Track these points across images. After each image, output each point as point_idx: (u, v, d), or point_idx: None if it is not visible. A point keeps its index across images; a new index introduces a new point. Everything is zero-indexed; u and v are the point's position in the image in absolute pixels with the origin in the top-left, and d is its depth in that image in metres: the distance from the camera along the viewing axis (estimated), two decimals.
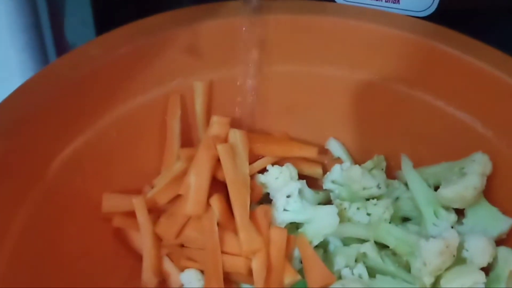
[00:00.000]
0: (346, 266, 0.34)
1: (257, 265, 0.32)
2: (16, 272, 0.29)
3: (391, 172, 0.41)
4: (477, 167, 0.34)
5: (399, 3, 0.38)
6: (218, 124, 0.38)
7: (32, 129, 0.31)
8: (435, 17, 0.38)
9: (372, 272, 0.34)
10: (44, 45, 0.43)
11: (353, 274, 0.34)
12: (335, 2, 0.39)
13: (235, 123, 0.39)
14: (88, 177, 0.35)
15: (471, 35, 0.36)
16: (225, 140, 0.38)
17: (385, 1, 0.38)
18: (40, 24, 0.41)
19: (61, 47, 0.43)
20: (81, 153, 0.34)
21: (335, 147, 0.42)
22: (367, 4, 0.38)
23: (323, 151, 0.42)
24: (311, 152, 0.40)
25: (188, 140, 0.39)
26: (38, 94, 0.32)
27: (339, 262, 0.35)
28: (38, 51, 0.43)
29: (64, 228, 0.33)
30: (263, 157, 0.39)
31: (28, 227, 0.31)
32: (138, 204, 0.34)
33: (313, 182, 0.40)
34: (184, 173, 0.36)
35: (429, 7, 0.38)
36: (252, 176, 0.38)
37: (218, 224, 0.34)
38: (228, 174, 0.35)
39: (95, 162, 0.35)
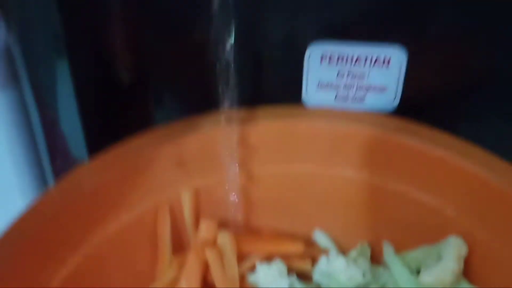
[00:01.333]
0: None
1: None
2: None
3: (377, 258, 0.42)
4: (453, 250, 0.36)
5: (364, 102, 0.41)
6: (206, 228, 0.40)
7: (27, 254, 0.34)
8: (399, 112, 0.41)
9: None
10: (42, 165, 0.46)
11: None
12: (306, 105, 0.42)
13: (223, 223, 0.41)
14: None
15: (436, 126, 0.38)
16: (214, 242, 0.40)
17: (351, 101, 0.41)
18: (37, 146, 0.45)
19: (56, 166, 0.46)
20: (77, 271, 0.36)
21: (321, 238, 0.44)
22: (335, 105, 0.42)
23: (311, 243, 0.44)
24: (297, 248, 0.42)
25: (180, 244, 0.41)
26: (34, 222, 0.35)
27: None
28: (36, 171, 0.46)
29: None
30: (252, 254, 0.41)
31: None
32: None
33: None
34: (176, 280, 0.38)
35: (392, 102, 0.41)
36: (241, 276, 0.39)
37: None
38: (217, 279, 0.37)
39: (91, 278, 0.37)
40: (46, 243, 0.34)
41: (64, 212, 0.36)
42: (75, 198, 0.37)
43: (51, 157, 0.44)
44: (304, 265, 0.42)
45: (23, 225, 0.34)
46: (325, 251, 0.43)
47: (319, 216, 0.44)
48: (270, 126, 0.41)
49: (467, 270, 0.36)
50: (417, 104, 0.40)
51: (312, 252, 0.44)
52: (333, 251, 0.42)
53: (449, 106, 0.41)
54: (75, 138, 0.43)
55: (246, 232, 0.44)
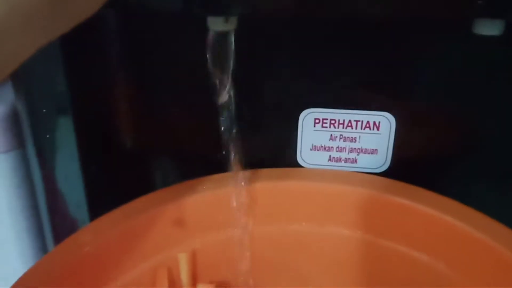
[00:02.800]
0: None
1: None
2: None
3: None
4: None
5: (356, 163, 0.43)
6: None
7: None
8: (390, 173, 0.43)
9: None
10: (42, 226, 0.46)
11: None
12: (301, 166, 0.44)
13: (221, 284, 0.42)
14: None
15: (426, 186, 0.40)
16: None
17: (344, 162, 0.43)
18: (38, 206, 0.45)
19: (56, 227, 0.46)
20: None
21: None
22: (328, 166, 0.44)
23: None
24: None
25: None
26: (33, 285, 0.35)
27: None
28: (36, 233, 0.46)
29: None
30: None
31: None
32: None
33: None
34: None
35: (383, 164, 0.43)
36: None
37: None
38: None
39: None
40: None
41: (63, 275, 0.36)
42: (74, 260, 0.37)
43: (51, 219, 0.44)
44: None
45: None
46: None
47: (316, 274, 0.45)
48: (265, 187, 0.43)
49: None
50: (407, 165, 0.43)
51: None
52: None
53: (438, 167, 0.43)
54: (76, 200, 0.43)
55: None
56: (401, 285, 0.41)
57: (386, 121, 0.41)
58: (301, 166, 0.44)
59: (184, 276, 0.42)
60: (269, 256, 0.44)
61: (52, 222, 0.44)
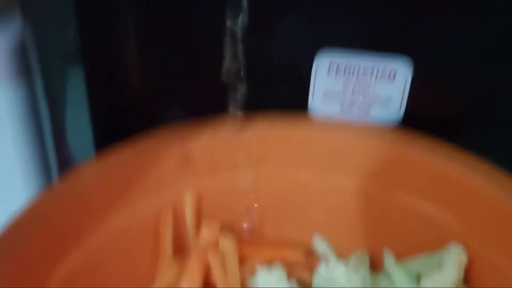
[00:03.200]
0: None
1: None
2: None
3: (376, 265, 0.42)
4: (454, 258, 0.37)
5: (369, 113, 0.42)
6: (208, 232, 0.40)
7: (26, 253, 0.33)
8: (403, 125, 0.42)
9: None
10: (47, 158, 0.45)
11: None
12: (311, 115, 0.43)
13: (224, 228, 0.42)
14: None
15: (439, 138, 0.39)
16: (216, 245, 0.40)
17: (356, 112, 0.42)
18: (44, 138, 0.44)
19: (63, 160, 0.46)
20: (76, 271, 0.36)
21: (320, 245, 0.44)
22: (340, 114, 0.43)
23: (311, 252, 0.44)
24: (298, 256, 0.42)
25: (180, 247, 0.41)
26: (36, 218, 0.35)
27: None
28: (41, 165, 0.45)
29: None
30: (253, 259, 0.41)
31: None
32: None
33: None
34: (176, 283, 0.37)
35: (396, 115, 0.42)
36: (242, 280, 0.39)
37: None
38: (219, 282, 0.37)
39: (91, 278, 0.37)
40: (46, 241, 0.34)
41: (65, 210, 0.36)
42: (78, 196, 0.36)
43: (57, 154, 0.44)
44: (303, 273, 0.43)
45: (24, 222, 0.34)
46: (324, 258, 0.43)
47: (320, 224, 0.44)
48: (273, 133, 0.42)
49: (466, 280, 0.37)
50: (422, 116, 0.42)
51: (312, 261, 0.44)
52: (332, 258, 0.43)
53: (453, 122, 0.42)
54: (83, 137, 0.43)
55: (247, 237, 0.44)
56: (406, 237, 0.41)
57: (402, 70, 0.40)
58: (312, 114, 0.43)
59: (189, 216, 0.41)
60: (273, 203, 0.44)
61: (58, 157, 0.44)
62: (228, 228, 0.42)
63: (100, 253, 0.37)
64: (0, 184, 0.44)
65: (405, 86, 0.40)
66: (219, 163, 0.42)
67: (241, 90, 0.39)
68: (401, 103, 0.41)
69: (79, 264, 0.36)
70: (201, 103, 0.45)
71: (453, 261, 0.36)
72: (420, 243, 0.40)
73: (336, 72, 0.41)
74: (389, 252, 0.40)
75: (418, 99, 0.41)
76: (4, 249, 0.32)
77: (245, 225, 0.44)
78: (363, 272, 0.40)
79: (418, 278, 0.38)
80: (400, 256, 0.40)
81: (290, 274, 0.41)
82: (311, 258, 0.44)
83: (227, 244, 0.40)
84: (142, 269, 0.40)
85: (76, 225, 0.36)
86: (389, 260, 0.40)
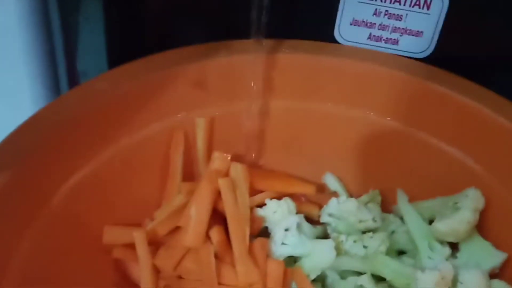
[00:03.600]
0: None
1: None
2: None
3: (387, 206, 0.42)
4: (470, 202, 0.35)
5: (397, 45, 0.40)
6: (219, 160, 0.39)
7: (38, 160, 0.32)
8: (432, 59, 0.40)
9: None
10: (57, 72, 0.44)
11: None
12: (337, 42, 0.41)
13: (235, 159, 0.40)
14: (91, 207, 0.36)
15: (468, 78, 0.37)
16: (226, 175, 0.39)
17: (385, 42, 0.40)
18: (54, 52, 0.43)
19: (73, 75, 0.44)
20: (86, 183, 0.35)
21: (331, 182, 0.43)
22: (367, 45, 0.40)
23: (321, 189, 0.43)
24: (309, 189, 0.41)
25: (189, 175, 0.40)
26: (45, 126, 0.33)
27: None
28: (51, 79, 0.44)
29: (66, 259, 0.33)
30: (262, 192, 0.40)
31: (30, 256, 0.31)
32: (138, 237, 0.35)
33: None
34: (184, 206, 0.37)
35: (427, 49, 0.39)
36: (251, 210, 0.39)
37: (216, 256, 0.34)
38: (228, 208, 0.36)
39: (99, 192, 0.36)
40: (52, 153, 0.33)
41: (73, 122, 0.34)
42: (87, 106, 0.35)
43: (68, 70, 0.42)
44: (312, 210, 0.42)
45: (29, 131, 0.33)
46: (334, 194, 0.43)
47: (332, 161, 0.43)
48: (294, 59, 0.40)
49: (480, 225, 0.36)
50: (453, 54, 0.39)
51: (322, 199, 0.43)
52: (343, 194, 0.42)
53: (486, 61, 0.40)
54: (96, 54, 0.41)
55: (258, 170, 0.43)
56: (423, 179, 0.39)
57: (438, 0, 0.37)
58: (338, 43, 0.41)
59: (200, 142, 0.40)
60: (288, 136, 0.42)
61: (68, 70, 0.42)
62: (239, 159, 0.41)
63: (108, 170, 0.36)
64: (8, 97, 0.43)
65: (439, 18, 0.38)
66: (235, 90, 0.40)
67: (265, 14, 0.37)
68: (432, 37, 0.38)
69: (86, 177, 0.35)
70: (222, 25, 0.43)
71: (469, 205, 0.35)
72: (437, 186, 0.38)
73: None
74: (402, 192, 0.39)
75: (451, 37, 0.38)
76: (8, 157, 0.31)
77: (256, 157, 0.43)
78: (374, 210, 0.39)
79: (430, 221, 0.37)
80: (414, 199, 0.39)
81: (299, 210, 0.41)
82: (321, 196, 0.43)
83: (238, 170, 0.38)
84: (149, 191, 0.39)
85: (85, 138, 0.35)
86: (401, 200, 0.39)
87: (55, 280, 0.32)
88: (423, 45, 0.39)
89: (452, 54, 0.39)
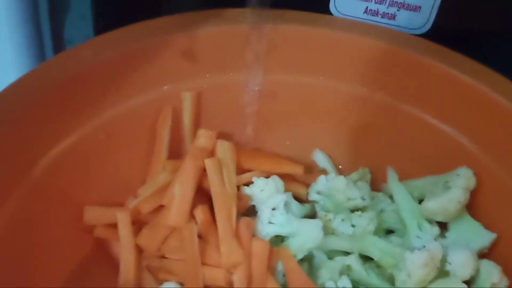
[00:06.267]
0: (331, 279, 0.34)
1: (238, 278, 0.32)
2: None
3: (376, 185, 0.41)
4: (461, 181, 0.35)
5: (394, 20, 0.38)
6: (204, 137, 0.38)
7: (19, 128, 0.31)
8: (430, 36, 0.38)
9: (356, 285, 0.34)
10: (42, 40, 0.42)
11: (337, 287, 0.34)
12: (331, 14, 0.39)
13: (221, 136, 0.39)
14: (74, 180, 0.34)
15: (466, 55, 0.36)
16: (212, 152, 0.37)
17: (381, 17, 0.38)
18: (39, 18, 0.41)
19: (59, 43, 0.42)
20: (68, 154, 0.34)
21: (320, 159, 0.42)
22: (363, 19, 0.39)
23: (309, 170, 0.42)
24: (297, 169, 0.40)
25: (176, 152, 0.39)
26: (28, 93, 0.32)
27: (324, 275, 0.35)
28: (35, 46, 0.42)
29: (45, 231, 0.32)
30: (250, 171, 0.39)
31: (9, 227, 0.30)
32: (122, 218, 0.34)
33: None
34: (169, 184, 0.36)
35: (424, 25, 0.38)
36: (237, 188, 0.38)
37: (201, 235, 0.33)
38: (213, 188, 0.35)
39: (82, 165, 0.35)
40: (33, 122, 0.32)
41: (55, 89, 0.33)
42: (70, 74, 0.33)
43: (53, 37, 0.40)
44: (300, 189, 0.41)
45: (8, 99, 0.31)
46: (323, 172, 0.42)
47: (322, 138, 0.42)
48: (286, 29, 0.38)
49: (470, 204, 0.36)
50: (450, 31, 0.38)
51: (310, 178, 0.42)
52: (332, 172, 0.41)
53: (484, 39, 0.38)
54: (83, 21, 0.39)
55: (246, 148, 0.42)
56: (414, 157, 0.39)
57: None
58: (333, 15, 0.39)
59: (187, 117, 0.39)
60: (277, 112, 0.41)
61: (53, 38, 0.40)
62: (227, 136, 0.40)
63: (92, 142, 0.35)
64: None
65: None
66: (226, 61, 0.38)
67: None
68: (430, 13, 0.37)
69: (69, 148, 0.34)
70: None
71: (460, 184, 0.34)
72: (429, 164, 0.38)
73: None
74: (392, 170, 0.39)
75: (449, 12, 0.37)
76: None
77: (245, 134, 0.42)
78: (364, 189, 0.39)
79: (420, 200, 0.36)
80: (405, 178, 0.38)
81: (287, 189, 0.40)
82: (309, 176, 0.41)
83: (225, 148, 0.37)
84: (133, 166, 0.38)
85: (67, 107, 0.33)
86: (391, 178, 0.38)
87: (33, 250, 0.32)
88: (421, 20, 0.37)
89: (450, 31, 0.38)
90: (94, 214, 0.35)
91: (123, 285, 0.33)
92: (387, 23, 0.38)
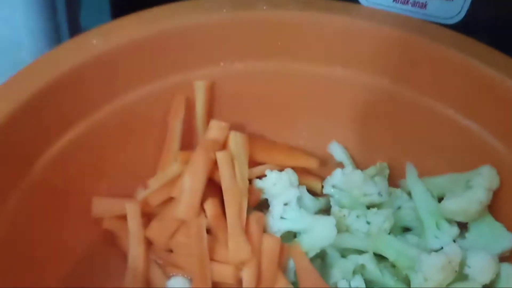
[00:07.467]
0: (344, 279, 0.33)
1: (247, 275, 0.31)
2: None
3: (394, 181, 0.39)
4: (484, 180, 0.33)
5: (425, 9, 0.36)
6: (216, 129, 0.36)
7: (25, 117, 0.30)
8: (462, 27, 0.36)
9: (370, 285, 0.33)
10: (58, 28, 0.41)
11: (350, 286, 0.33)
12: (358, 2, 0.37)
13: (235, 127, 0.38)
14: (82, 169, 0.34)
15: (499, 48, 0.34)
16: (224, 144, 0.36)
17: (412, 6, 0.36)
18: (56, 5, 0.40)
19: (75, 31, 0.42)
20: (77, 143, 0.33)
21: (337, 151, 0.41)
22: (392, 8, 0.37)
23: (324, 163, 0.40)
24: (312, 163, 0.39)
25: (188, 143, 0.38)
26: (37, 80, 0.31)
27: (336, 274, 0.34)
28: (52, 34, 0.41)
29: (53, 222, 0.32)
30: (263, 164, 0.38)
31: (15, 218, 0.30)
32: (131, 210, 0.33)
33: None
34: (179, 176, 0.35)
35: (457, 14, 0.36)
36: (250, 181, 0.37)
37: (210, 230, 0.33)
38: (224, 182, 0.34)
39: (90, 154, 0.34)
40: (42, 110, 0.31)
41: (65, 76, 0.32)
42: (78, 61, 0.32)
43: (70, 23, 0.39)
44: (315, 183, 0.40)
45: (17, 86, 0.30)
46: (339, 165, 0.40)
47: (339, 130, 0.40)
48: (304, 17, 0.36)
49: (492, 204, 0.34)
50: (484, 22, 0.35)
51: (324, 174, 0.40)
52: (348, 165, 0.40)
53: None
54: (100, 5, 0.38)
55: (259, 140, 0.40)
56: (436, 153, 0.37)
57: None
58: (360, 4, 0.37)
59: (200, 107, 0.38)
60: (291, 104, 0.39)
61: (70, 26, 0.39)
62: (240, 127, 0.38)
63: (100, 129, 0.34)
64: (8, 54, 0.40)
65: None
66: (241, 50, 0.37)
67: None
68: (464, 2, 0.35)
69: (78, 137, 0.33)
70: None
71: (482, 183, 0.33)
72: (450, 161, 0.36)
73: None
74: (411, 166, 0.37)
75: (484, 1, 0.35)
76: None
77: (257, 126, 0.40)
78: (381, 184, 0.37)
79: (440, 198, 0.35)
80: (424, 174, 0.37)
81: (301, 182, 0.38)
82: (325, 169, 0.40)
83: (238, 140, 0.36)
84: (143, 157, 0.37)
85: (77, 94, 0.33)
86: (410, 174, 0.36)
87: (40, 244, 0.31)
88: (454, 10, 0.35)
89: (484, 21, 0.35)
90: (102, 206, 0.34)
91: (132, 278, 0.33)
92: (417, 12, 0.36)
